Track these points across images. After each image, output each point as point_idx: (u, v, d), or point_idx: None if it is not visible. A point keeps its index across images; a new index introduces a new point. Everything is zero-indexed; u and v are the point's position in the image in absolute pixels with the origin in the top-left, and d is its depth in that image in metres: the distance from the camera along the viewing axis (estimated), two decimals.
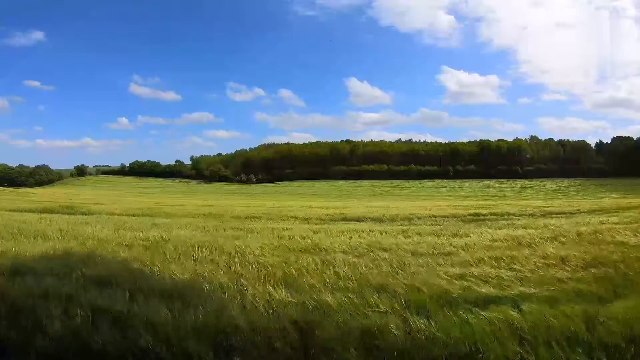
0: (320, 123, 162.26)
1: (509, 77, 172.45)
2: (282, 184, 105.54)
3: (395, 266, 5.39)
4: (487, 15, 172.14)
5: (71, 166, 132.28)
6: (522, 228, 9.73)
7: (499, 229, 9.61)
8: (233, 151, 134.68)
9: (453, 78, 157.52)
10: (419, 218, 15.50)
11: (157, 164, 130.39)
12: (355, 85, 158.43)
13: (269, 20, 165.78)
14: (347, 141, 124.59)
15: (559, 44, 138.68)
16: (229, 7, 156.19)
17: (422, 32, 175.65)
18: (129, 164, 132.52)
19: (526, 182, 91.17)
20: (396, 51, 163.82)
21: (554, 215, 15.08)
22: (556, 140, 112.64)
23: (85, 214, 17.44)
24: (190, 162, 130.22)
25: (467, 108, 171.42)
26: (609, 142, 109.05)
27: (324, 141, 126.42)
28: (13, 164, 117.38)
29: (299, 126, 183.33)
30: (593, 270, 4.90)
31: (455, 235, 8.50)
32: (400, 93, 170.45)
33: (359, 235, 8.62)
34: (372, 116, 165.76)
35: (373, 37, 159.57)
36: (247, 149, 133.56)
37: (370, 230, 9.62)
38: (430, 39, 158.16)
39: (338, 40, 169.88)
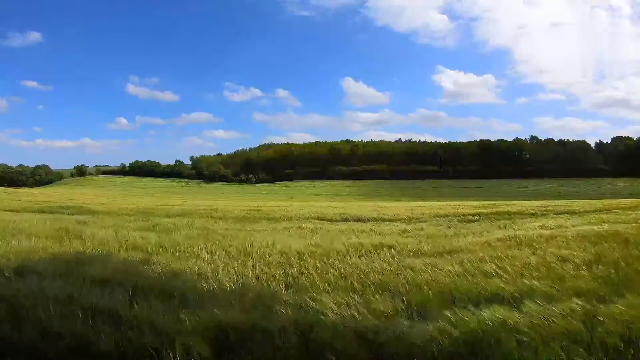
0: (319, 123, 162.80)
1: (506, 77, 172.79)
2: (281, 183, 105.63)
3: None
4: (483, 15, 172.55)
5: (71, 166, 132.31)
6: None
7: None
8: (233, 151, 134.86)
9: (450, 78, 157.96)
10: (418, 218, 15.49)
11: (157, 164, 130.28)
12: (351, 85, 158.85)
13: (263, 20, 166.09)
14: (347, 141, 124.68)
15: (556, 44, 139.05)
16: (224, 7, 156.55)
17: (417, 32, 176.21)
18: (129, 164, 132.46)
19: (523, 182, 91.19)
20: (392, 51, 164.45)
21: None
22: (556, 140, 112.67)
23: (85, 214, 17.43)
24: (190, 162, 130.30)
25: (465, 108, 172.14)
26: (609, 142, 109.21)
27: (324, 141, 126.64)
28: (13, 164, 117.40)
29: (298, 126, 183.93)
30: None
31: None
32: (397, 93, 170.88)
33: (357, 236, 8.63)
34: (371, 116, 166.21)
35: (368, 37, 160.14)
36: (247, 149, 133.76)
37: (371, 230, 9.63)
38: (426, 39, 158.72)
39: (333, 40, 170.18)
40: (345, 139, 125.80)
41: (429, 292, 4.20)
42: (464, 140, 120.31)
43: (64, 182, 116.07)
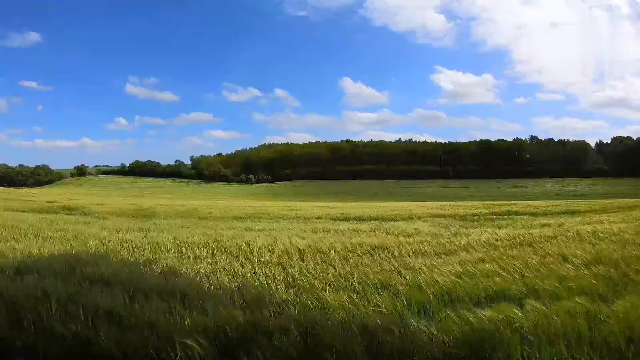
0: (318, 123, 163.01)
1: (505, 76, 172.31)
2: (287, 182, 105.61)
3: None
4: (481, 15, 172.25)
5: (71, 166, 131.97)
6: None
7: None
8: (233, 151, 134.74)
9: (448, 78, 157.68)
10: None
11: (158, 164, 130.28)
12: (350, 85, 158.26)
13: (262, 20, 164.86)
14: (347, 141, 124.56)
15: (555, 44, 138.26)
16: (224, 7, 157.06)
17: (415, 32, 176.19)
18: (129, 164, 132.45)
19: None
20: (390, 51, 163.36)
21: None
22: (556, 140, 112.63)
23: (85, 215, 17.42)
24: (190, 162, 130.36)
25: (464, 108, 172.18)
26: (609, 142, 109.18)
27: (324, 141, 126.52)
28: (13, 164, 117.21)
29: (297, 126, 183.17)
30: None
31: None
32: (396, 93, 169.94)
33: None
34: (370, 116, 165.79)
35: (366, 37, 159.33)
36: (247, 149, 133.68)
37: (371, 230, 9.63)
38: (424, 39, 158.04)
39: (331, 40, 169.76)
40: (345, 139, 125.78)
41: (430, 292, 4.19)
42: (464, 140, 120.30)
43: (64, 182, 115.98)
